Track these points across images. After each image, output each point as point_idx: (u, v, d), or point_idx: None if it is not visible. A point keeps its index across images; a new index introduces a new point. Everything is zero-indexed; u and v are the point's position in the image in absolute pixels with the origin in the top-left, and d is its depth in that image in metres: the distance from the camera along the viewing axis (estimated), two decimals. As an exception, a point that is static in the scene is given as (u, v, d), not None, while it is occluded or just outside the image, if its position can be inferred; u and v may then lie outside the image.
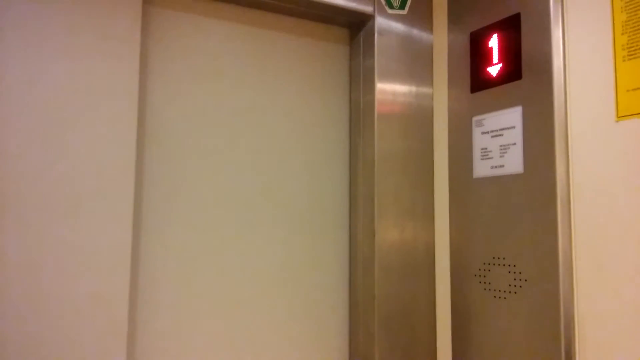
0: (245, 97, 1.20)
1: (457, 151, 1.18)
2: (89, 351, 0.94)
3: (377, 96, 1.22)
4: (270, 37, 1.24)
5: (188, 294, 1.10)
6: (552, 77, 0.97)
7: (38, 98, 0.94)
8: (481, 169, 1.11)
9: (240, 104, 1.19)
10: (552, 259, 0.95)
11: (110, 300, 0.97)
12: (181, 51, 1.14)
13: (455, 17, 1.22)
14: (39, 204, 0.93)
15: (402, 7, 1.27)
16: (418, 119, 1.26)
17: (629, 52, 0.89)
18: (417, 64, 1.27)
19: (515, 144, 1.04)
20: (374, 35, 1.23)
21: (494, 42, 1.10)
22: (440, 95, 1.26)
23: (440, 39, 1.27)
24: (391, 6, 1.26)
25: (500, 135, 1.07)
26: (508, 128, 1.05)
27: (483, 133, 1.11)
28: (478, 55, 1.14)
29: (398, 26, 1.26)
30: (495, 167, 1.08)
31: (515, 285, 1.02)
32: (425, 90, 1.28)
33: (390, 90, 1.23)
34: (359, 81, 1.29)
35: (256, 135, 1.21)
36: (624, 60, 0.90)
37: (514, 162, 1.04)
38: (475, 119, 1.14)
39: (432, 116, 1.28)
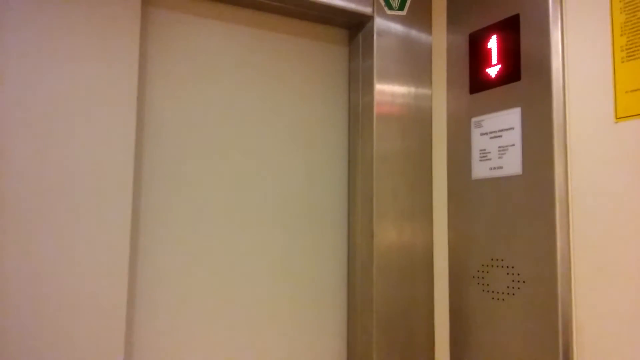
0: (244, 98, 1.20)
1: (455, 152, 1.18)
2: (87, 351, 0.94)
3: (376, 97, 1.22)
4: (269, 38, 1.24)
5: (186, 294, 1.10)
6: (550, 78, 0.97)
7: (37, 99, 0.94)
8: (480, 170, 1.11)
9: (239, 105, 1.19)
10: (551, 261, 0.95)
11: (108, 300, 0.97)
12: (180, 52, 1.14)
13: (454, 18, 1.22)
14: (37, 204, 0.93)
15: (401, 8, 1.27)
16: (417, 120, 1.26)
17: (627, 53, 0.89)
18: (416, 65, 1.27)
19: (514, 145, 1.04)
20: (373, 36, 1.23)
21: (493, 43, 1.10)
22: (439, 96, 1.26)
23: (439, 40, 1.27)
24: (390, 7, 1.26)
25: (499, 136, 1.07)
26: (507, 129, 1.05)
27: (482, 134, 1.11)
28: (477, 56, 1.14)
29: (397, 27, 1.26)
30: (494, 168, 1.07)
31: (513, 287, 1.02)
32: (424, 91, 1.27)
33: (389, 91, 1.23)
34: (358, 82, 1.29)
35: (255, 136, 1.20)
36: (622, 62, 0.90)
37: (512, 164, 1.03)
38: (474, 120, 1.14)
39: (431, 117, 1.28)
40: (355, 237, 1.26)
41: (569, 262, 0.94)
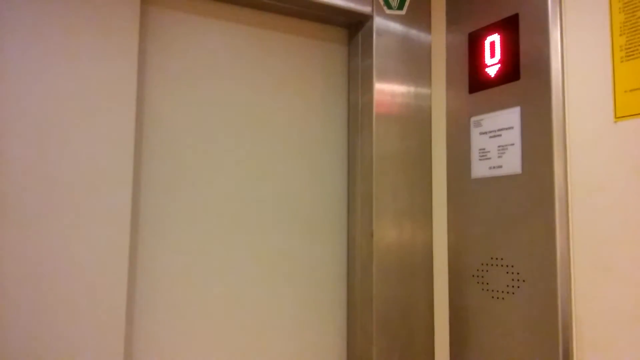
0: (243, 97, 1.20)
1: (455, 151, 1.18)
2: (87, 351, 0.94)
3: (376, 96, 1.22)
4: (268, 37, 1.24)
5: (185, 294, 1.10)
6: (550, 77, 0.98)
7: (35, 98, 0.94)
8: (479, 169, 1.11)
9: (238, 104, 1.19)
10: (550, 260, 0.95)
11: (108, 300, 0.97)
12: (179, 51, 1.14)
13: (453, 17, 1.22)
14: (36, 204, 0.93)
15: (400, 7, 1.27)
16: (416, 119, 1.26)
17: (627, 52, 0.89)
18: (415, 64, 1.27)
19: (513, 144, 1.04)
20: (372, 35, 1.23)
21: (492, 42, 1.10)
22: (438, 96, 1.26)
23: (439, 40, 1.27)
24: (389, 6, 1.26)
25: (498, 135, 1.07)
26: (506, 128, 1.05)
27: (481, 133, 1.11)
28: (476, 55, 1.14)
29: (396, 26, 1.26)
30: (494, 167, 1.08)
31: (513, 286, 1.02)
32: (423, 90, 1.28)
33: (388, 90, 1.23)
34: (357, 81, 1.29)
35: (254, 135, 1.20)
36: (622, 61, 0.90)
37: (512, 163, 1.04)
38: (473, 119, 1.14)
39: (430, 116, 1.28)
40: (355, 237, 1.26)
41: (569, 261, 0.95)
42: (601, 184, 0.91)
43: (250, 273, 1.17)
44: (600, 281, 0.90)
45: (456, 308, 1.15)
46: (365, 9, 1.23)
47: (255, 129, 1.21)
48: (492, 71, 1.10)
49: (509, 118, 1.05)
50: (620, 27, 0.90)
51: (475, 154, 1.12)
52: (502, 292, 1.04)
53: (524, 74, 1.02)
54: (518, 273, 1.01)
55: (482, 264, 1.09)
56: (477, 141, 1.12)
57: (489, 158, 1.09)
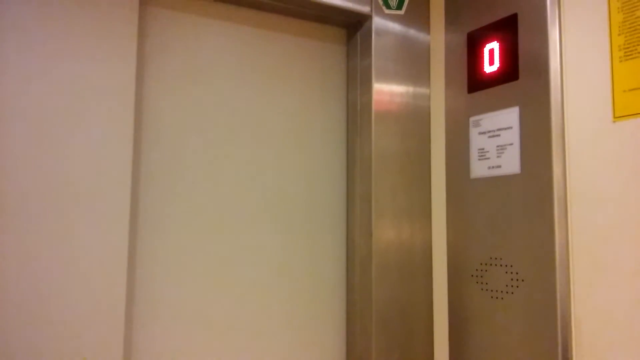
0: (242, 97, 1.20)
1: (454, 151, 1.18)
2: (86, 351, 0.94)
3: (375, 96, 1.22)
4: (267, 37, 1.24)
5: (184, 294, 1.10)
6: (549, 77, 0.98)
7: (34, 98, 0.94)
8: (478, 169, 1.11)
9: (237, 104, 1.19)
10: (549, 259, 0.95)
11: (107, 300, 0.97)
12: (178, 51, 1.14)
13: (452, 17, 1.23)
14: (35, 204, 0.93)
15: (399, 7, 1.27)
16: (415, 119, 1.26)
17: (625, 52, 0.89)
18: (414, 64, 1.27)
19: (512, 144, 1.04)
20: (371, 35, 1.23)
21: (491, 42, 1.11)
22: (437, 96, 1.26)
23: (438, 40, 1.27)
24: (388, 6, 1.26)
25: (497, 135, 1.07)
26: (505, 128, 1.05)
27: (480, 133, 1.11)
28: (475, 55, 1.14)
29: (395, 26, 1.26)
30: (493, 167, 1.08)
31: (512, 286, 1.02)
32: (422, 90, 1.28)
33: (387, 90, 1.23)
34: (356, 81, 1.29)
35: (253, 135, 1.20)
36: (620, 61, 0.90)
37: (511, 163, 1.04)
38: (472, 119, 1.14)
39: (429, 116, 1.28)
40: (354, 236, 1.26)
41: (568, 261, 0.95)
42: (600, 183, 0.91)
43: (249, 272, 1.17)
44: (599, 281, 0.90)
45: (455, 308, 1.15)
46: (364, 8, 1.23)
47: (253, 129, 1.21)
48: (490, 71, 1.10)
49: (508, 118, 1.05)
50: (619, 27, 0.90)
51: (474, 154, 1.12)
52: (501, 291, 1.04)
53: (523, 73, 1.03)
54: (517, 273, 1.01)
55: (481, 264, 1.09)
56: (476, 141, 1.12)
57: (488, 158, 1.09)
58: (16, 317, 0.90)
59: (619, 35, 0.90)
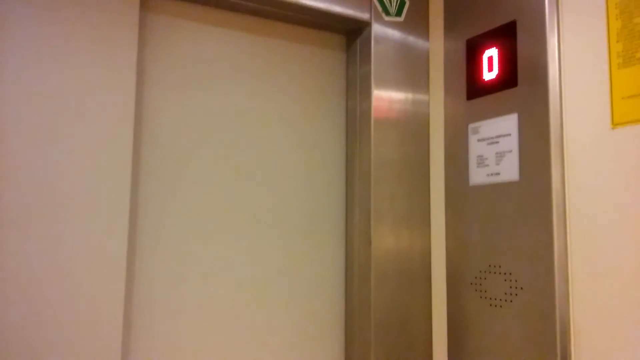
0: (242, 104, 1.20)
1: (453, 158, 1.18)
2: (84, 352, 0.94)
3: (374, 103, 1.22)
4: (267, 43, 1.25)
5: (183, 298, 1.10)
6: (547, 84, 0.97)
7: (34, 105, 0.94)
8: (477, 176, 1.11)
9: (237, 111, 1.19)
10: (548, 267, 0.94)
11: (105, 301, 0.97)
12: (178, 58, 1.14)
13: (451, 24, 1.23)
14: (36, 208, 0.93)
15: (398, 14, 1.27)
16: (414, 126, 1.26)
17: (624, 59, 0.89)
18: (413, 71, 1.27)
19: (511, 151, 1.04)
20: (370, 42, 1.23)
21: (489, 49, 1.10)
22: (436, 103, 1.26)
23: (437, 46, 1.27)
24: (388, 13, 1.26)
25: (496, 142, 1.07)
26: (504, 135, 1.05)
27: (479, 140, 1.11)
28: (474, 62, 1.14)
29: (395, 33, 1.26)
30: (491, 174, 1.07)
31: (511, 294, 1.01)
32: (421, 97, 1.28)
33: (386, 97, 1.23)
34: (356, 88, 1.29)
35: (252, 142, 1.20)
36: (619, 68, 0.90)
37: (509, 170, 1.03)
38: (471, 126, 1.14)
39: (429, 123, 1.28)
40: (352, 243, 1.25)
41: (567, 268, 0.94)
42: (599, 190, 0.91)
43: (248, 280, 1.17)
44: (598, 288, 0.90)
45: (454, 315, 1.15)
46: (364, 15, 1.24)
47: (253, 136, 1.21)
48: (489, 78, 1.10)
49: (507, 125, 1.05)
50: (617, 34, 0.90)
51: (473, 161, 1.12)
52: (500, 299, 1.04)
53: (522, 80, 1.02)
54: (516, 280, 1.01)
55: (480, 271, 1.08)
56: (475, 148, 1.12)
57: (487, 165, 1.08)
58: (14, 318, 0.90)
59: (618, 42, 0.90)
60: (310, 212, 1.26)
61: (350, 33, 1.32)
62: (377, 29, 1.24)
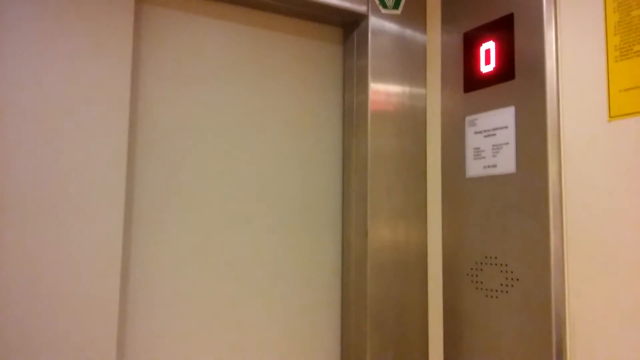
0: (238, 96, 1.20)
1: (450, 151, 1.18)
2: (79, 352, 0.94)
3: (371, 96, 1.22)
4: (263, 35, 1.24)
5: (179, 294, 1.10)
6: (544, 77, 0.98)
7: (26, 98, 0.94)
8: (474, 168, 1.11)
9: (233, 103, 1.19)
10: (544, 259, 0.95)
11: (100, 301, 0.96)
12: (174, 49, 1.13)
13: (448, 17, 1.23)
14: (28, 203, 0.92)
15: (396, 7, 1.27)
16: (411, 119, 1.26)
17: (621, 52, 0.89)
18: (410, 64, 1.27)
19: (507, 143, 1.04)
20: (367, 35, 1.23)
21: (487, 42, 1.11)
22: (433, 95, 1.26)
23: (434, 39, 1.27)
24: (385, 6, 1.26)
25: (493, 135, 1.07)
26: (501, 128, 1.06)
27: (476, 133, 1.11)
28: (471, 55, 1.14)
29: (392, 26, 1.26)
30: (488, 166, 1.08)
31: (507, 285, 1.02)
32: (418, 90, 1.28)
33: (383, 90, 1.23)
34: (352, 81, 1.29)
35: (249, 135, 1.20)
36: (616, 61, 0.90)
37: (506, 162, 1.04)
38: (468, 118, 1.14)
39: (425, 116, 1.28)
40: (349, 236, 1.26)
41: (563, 260, 0.95)
42: (595, 183, 0.91)
43: (243, 271, 1.17)
44: (594, 280, 0.90)
45: (450, 306, 1.15)
46: (361, 8, 1.23)
47: (249, 129, 1.21)
48: (487, 71, 1.10)
49: (504, 117, 1.05)
50: (615, 27, 0.91)
51: (469, 153, 1.12)
52: (496, 290, 1.04)
53: (519, 73, 1.03)
54: (512, 272, 1.01)
55: (476, 263, 1.09)
56: (472, 140, 1.12)
57: (484, 157, 1.09)
58: (9, 317, 0.89)
59: (615, 35, 0.90)
60: (306, 205, 1.26)
61: (347, 26, 1.32)
62: (374, 22, 1.24)
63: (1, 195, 0.90)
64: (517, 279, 1.00)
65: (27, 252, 0.91)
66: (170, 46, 1.13)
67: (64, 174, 0.95)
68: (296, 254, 1.24)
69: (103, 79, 1.00)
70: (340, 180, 1.31)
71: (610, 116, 0.90)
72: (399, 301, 1.20)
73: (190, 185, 1.12)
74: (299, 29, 1.29)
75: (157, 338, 1.07)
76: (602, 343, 0.88)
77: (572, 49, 0.97)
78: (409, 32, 1.28)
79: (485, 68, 1.10)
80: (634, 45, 0.88)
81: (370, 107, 1.21)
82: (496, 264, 1.05)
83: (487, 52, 1.10)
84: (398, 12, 1.27)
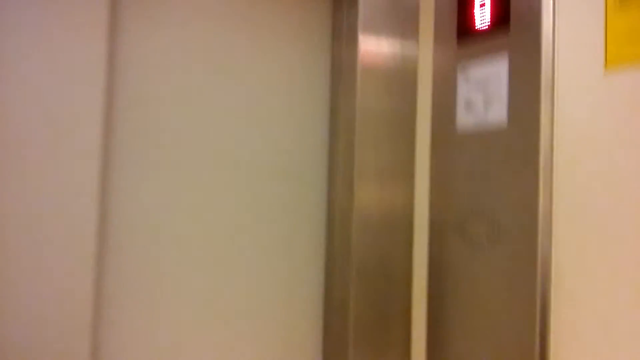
0: (224, 52, 1.16)
1: (441, 104, 1.16)
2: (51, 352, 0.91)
3: (361, 51, 1.18)
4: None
5: (155, 291, 1.08)
6: (540, 26, 0.95)
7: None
8: (465, 122, 1.09)
9: (219, 58, 1.16)
10: (532, 212, 0.94)
11: (73, 302, 0.94)
12: (153, 17, 1.08)
13: (443, -32, 1.19)
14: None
15: (389, -44, 1.23)
16: (402, 74, 1.23)
17: (621, 1, 0.87)
18: (402, 15, 1.24)
19: (500, 96, 1.02)
20: (358, -15, 1.19)
21: (483, -8, 1.08)
22: (425, 48, 1.23)
23: (427, -10, 1.24)
24: (378, -45, 1.22)
25: (485, 86, 1.05)
26: (493, 79, 1.03)
27: (468, 84, 1.09)
28: (465, 4, 1.11)
29: (384, -24, 1.22)
30: (479, 118, 1.06)
31: (493, 238, 1.01)
32: (410, 43, 1.24)
33: (374, 44, 1.20)
34: (342, 35, 1.25)
35: (235, 90, 1.17)
36: (614, 11, 0.88)
37: (498, 114, 1.02)
38: (460, 69, 1.11)
39: (417, 71, 1.25)
40: (335, 190, 1.23)
41: (551, 214, 0.94)
42: (587, 136, 0.90)
43: (230, 224, 1.15)
44: (582, 233, 0.90)
45: (435, 258, 1.14)
46: (353, -44, 1.20)
47: (235, 83, 1.17)
48: (481, 21, 1.07)
49: (497, 69, 1.03)
50: (615, -25, 0.88)
51: (461, 107, 1.10)
52: (482, 244, 1.03)
53: (514, 23, 1.00)
54: (499, 225, 1.00)
55: (464, 216, 1.08)
56: (464, 92, 1.10)
57: (475, 110, 1.07)
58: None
59: (615, -17, 0.88)
60: (293, 161, 1.24)
61: (338, -24, 1.28)
62: (366, -29, 1.20)
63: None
64: (504, 232, 0.99)
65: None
66: (149, 14, 1.08)
67: (36, 164, 0.91)
68: (280, 210, 1.21)
69: (77, 52, 0.95)
70: (327, 137, 1.28)
71: (606, 67, 0.88)
72: (383, 253, 1.18)
73: (172, 139, 1.10)
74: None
75: (131, 339, 1.05)
76: (586, 295, 0.88)
77: (570, -2, 0.95)
78: (401, -17, 1.24)
79: (480, 18, 1.07)
80: (634, -8, 0.86)
81: (359, 61, 1.18)
82: (484, 217, 1.03)
83: (482, 3, 1.07)
84: (391, -38, 1.23)
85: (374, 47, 1.20)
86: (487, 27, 1.06)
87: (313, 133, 1.27)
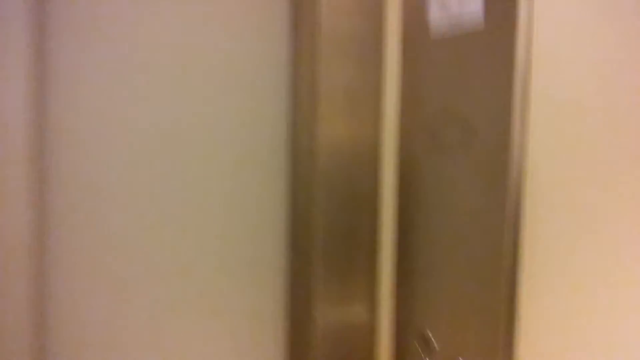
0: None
1: (413, 10, 1.09)
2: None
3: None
4: None
5: (104, 292, 1.02)
6: None
7: None
8: (438, 24, 1.03)
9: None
10: (507, 113, 0.89)
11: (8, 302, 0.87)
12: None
13: None
14: None
15: None
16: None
17: None
18: None
19: (475, -10, 0.96)
20: None
21: None
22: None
23: None
24: None
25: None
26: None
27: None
28: None
29: None
30: (453, 18, 1.00)
31: (465, 141, 0.97)
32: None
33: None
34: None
35: (175, 17, 1.07)
36: None
37: (474, 13, 0.96)
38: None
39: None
40: (301, 111, 1.16)
41: (527, 114, 0.90)
42: (567, 29, 0.86)
43: (182, 168, 1.10)
44: (557, 129, 0.87)
45: (405, 167, 1.11)
46: None
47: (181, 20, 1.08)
48: None
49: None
50: None
51: (434, 6, 1.04)
52: (455, 149, 0.99)
53: None
54: (472, 127, 0.96)
55: (435, 120, 1.03)
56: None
57: (449, 8, 1.00)
58: None
59: None
60: (251, 91, 1.16)
61: None
62: None
63: None
64: (477, 134, 0.95)
65: None
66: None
67: None
68: (239, 141, 1.16)
69: None
70: (289, 67, 1.19)
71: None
72: (349, 154, 1.12)
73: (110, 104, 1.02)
74: None
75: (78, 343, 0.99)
76: (560, 201, 0.86)
77: None
78: None
79: None
80: None
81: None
82: (456, 120, 0.99)
83: None
84: None
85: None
86: None
87: (271, 65, 1.18)
